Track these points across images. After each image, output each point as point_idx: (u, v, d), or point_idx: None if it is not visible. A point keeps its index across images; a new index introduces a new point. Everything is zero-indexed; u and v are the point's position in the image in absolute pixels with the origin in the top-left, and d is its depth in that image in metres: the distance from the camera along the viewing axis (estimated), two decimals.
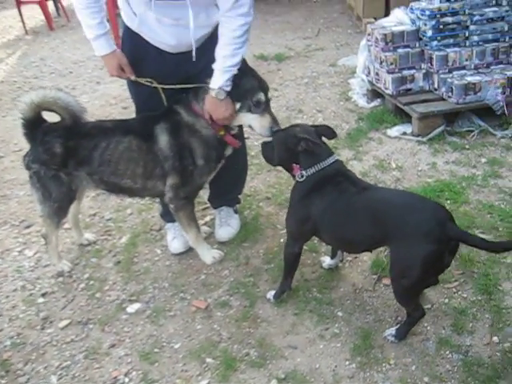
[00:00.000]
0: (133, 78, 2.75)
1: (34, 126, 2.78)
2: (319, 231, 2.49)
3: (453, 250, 2.21)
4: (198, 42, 2.65)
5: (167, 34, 2.62)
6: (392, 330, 2.43)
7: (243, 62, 2.64)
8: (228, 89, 2.59)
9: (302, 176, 2.47)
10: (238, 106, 2.66)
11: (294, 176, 2.54)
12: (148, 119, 2.81)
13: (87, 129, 2.82)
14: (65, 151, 2.74)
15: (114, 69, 2.73)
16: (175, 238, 3.14)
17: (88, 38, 2.68)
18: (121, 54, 2.74)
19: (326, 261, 2.88)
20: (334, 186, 2.41)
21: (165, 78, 2.73)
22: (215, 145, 2.79)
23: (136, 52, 2.74)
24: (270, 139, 2.64)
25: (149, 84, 2.74)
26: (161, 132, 2.73)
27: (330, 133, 2.57)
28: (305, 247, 2.70)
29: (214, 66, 2.55)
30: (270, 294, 2.71)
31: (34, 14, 8.85)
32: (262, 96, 2.66)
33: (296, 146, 2.44)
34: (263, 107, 2.67)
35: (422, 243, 2.13)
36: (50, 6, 8.75)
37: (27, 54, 7.28)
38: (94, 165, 2.76)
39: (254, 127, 2.72)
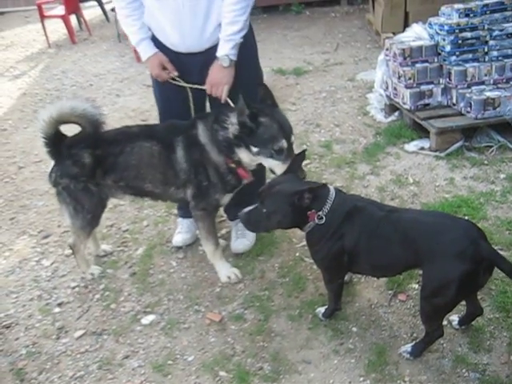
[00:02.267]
0: (175, 73, 2.81)
1: (56, 141, 2.78)
2: (355, 261, 2.38)
3: (488, 270, 2.13)
4: (209, 41, 2.71)
5: (169, 24, 2.68)
6: (407, 347, 2.40)
7: (266, 97, 2.63)
8: (234, 58, 2.63)
9: (322, 218, 2.32)
10: (255, 150, 2.58)
11: (305, 225, 2.38)
12: (172, 128, 2.84)
13: (113, 135, 2.86)
14: (93, 161, 2.76)
15: (156, 67, 2.81)
16: (180, 232, 3.29)
17: (133, 44, 2.84)
18: (162, 54, 2.82)
19: None
20: (358, 213, 2.32)
21: (186, 80, 2.81)
22: (227, 171, 2.76)
23: None
24: (251, 208, 2.42)
25: (178, 83, 2.81)
26: (179, 145, 2.77)
27: (301, 157, 2.48)
28: None
29: (220, 34, 2.63)
30: (320, 311, 2.65)
31: (56, 28, 9.04)
32: (283, 143, 2.56)
33: (302, 201, 2.29)
34: (286, 154, 2.58)
35: (455, 263, 2.08)
36: (73, 20, 8.95)
37: (49, 67, 7.42)
38: (119, 171, 2.79)
39: (277, 173, 2.62)
